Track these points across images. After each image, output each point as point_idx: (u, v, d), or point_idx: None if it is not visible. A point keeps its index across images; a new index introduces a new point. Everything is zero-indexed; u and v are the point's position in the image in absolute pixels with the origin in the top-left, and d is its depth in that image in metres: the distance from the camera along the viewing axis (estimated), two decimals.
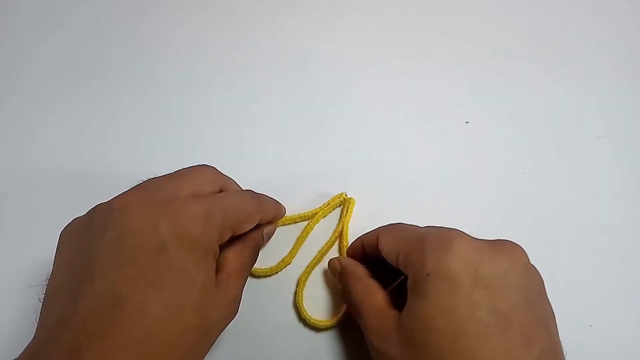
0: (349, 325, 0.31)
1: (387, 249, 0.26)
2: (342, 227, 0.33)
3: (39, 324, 0.22)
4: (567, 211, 0.34)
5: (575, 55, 0.40)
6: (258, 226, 0.29)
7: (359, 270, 0.29)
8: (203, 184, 0.26)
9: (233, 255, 0.27)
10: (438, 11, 0.42)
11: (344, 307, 0.31)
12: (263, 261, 0.33)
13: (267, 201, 0.30)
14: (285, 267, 0.32)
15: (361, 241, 0.30)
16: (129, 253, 0.21)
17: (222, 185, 0.28)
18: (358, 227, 0.33)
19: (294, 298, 0.32)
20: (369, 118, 0.37)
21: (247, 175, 0.35)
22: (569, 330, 0.31)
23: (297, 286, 0.32)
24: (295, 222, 0.34)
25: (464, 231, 0.25)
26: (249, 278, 0.32)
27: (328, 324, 0.31)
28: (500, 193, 0.35)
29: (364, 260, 0.30)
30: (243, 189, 0.31)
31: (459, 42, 0.40)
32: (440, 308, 0.22)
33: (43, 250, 0.29)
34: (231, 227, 0.26)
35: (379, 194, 0.35)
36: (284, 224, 0.34)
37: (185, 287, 0.22)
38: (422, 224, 0.33)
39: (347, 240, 0.33)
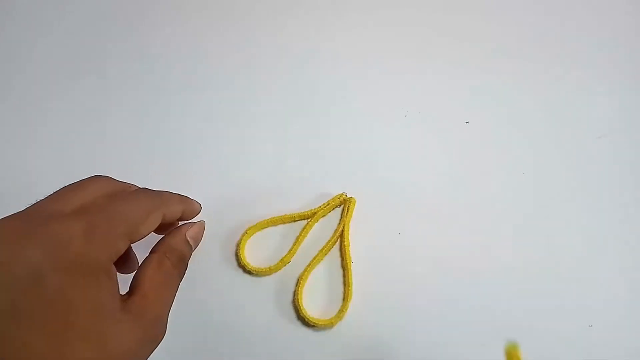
0: (347, 324, 0.31)
1: None
2: (343, 227, 0.33)
3: None
4: (567, 211, 0.34)
5: (575, 55, 0.40)
6: (176, 233, 0.27)
7: None
8: (93, 197, 0.24)
9: (150, 272, 0.24)
10: (438, 11, 0.42)
11: (344, 305, 0.31)
12: (262, 260, 0.33)
13: (168, 197, 0.27)
14: (285, 266, 0.32)
15: None
16: (3, 288, 0.19)
17: (119, 193, 0.25)
18: (358, 227, 0.34)
19: (293, 297, 0.32)
20: (369, 118, 0.37)
21: (247, 175, 0.35)
22: (569, 330, 0.31)
23: (296, 285, 0.32)
24: (295, 221, 0.34)
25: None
26: (249, 276, 0.32)
27: (327, 323, 0.31)
28: (500, 193, 0.35)
29: None
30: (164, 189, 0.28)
31: (459, 42, 0.40)
32: None
33: None
34: (125, 235, 0.23)
35: (379, 194, 0.35)
36: (284, 223, 0.34)
37: (68, 316, 0.20)
38: (422, 223, 0.34)
39: (348, 240, 0.33)
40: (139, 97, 0.39)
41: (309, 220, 0.33)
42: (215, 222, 0.33)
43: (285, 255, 0.32)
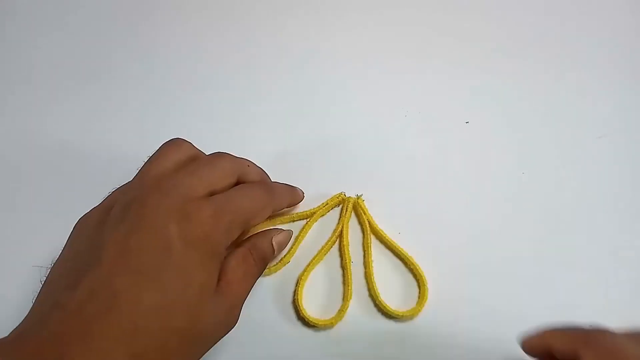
0: (347, 324, 0.31)
1: None
2: (342, 227, 0.33)
3: (34, 305, 0.23)
4: (567, 211, 0.34)
5: (575, 55, 0.40)
6: (265, 234, 0.29)
7: None
8: (219, 178, 0.26)
9: (236, 263, 0.27)
10: (438, 11, 0.42)
11: (344, 305, 0.31)
12: None
13: (279, 191, 0.31)
14: (284, 266, 0.32)
15: (548, 344, 0.26)
16: (135, 249, 0.22)
17: (240, 174, 0.28)
18: (358, 227, 0.34)
19: (293, 297, 0.32)
20: (368, 118, 0.37)
21: None
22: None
23: (296, 285, 0.32)
24: (294, 221, 0.34)
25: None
26: None
27: (327, 323, 0.31)
28: (500, 193, 0.35)
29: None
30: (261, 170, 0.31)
31: (459, 42, 0.40)
32: None
33: (52, 233, 0.30)
34: (239, 226, 0.26)
35: (379, 194, 0.35)
36: (283, 223, 0.34)
37: (181, 287, 0.23)
38: (422, 223, 0.34)
39: (347, 240, 0.33)
40: (138, 97, 0.39)
41: (307, 220, 0.33)
42: None
43: (285, 256, 0.32)
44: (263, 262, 0.29)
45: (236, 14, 0.42)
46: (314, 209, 0.33)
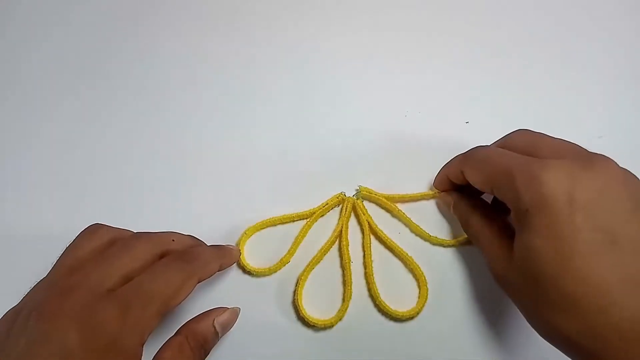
0: (347, 325, 0.31)
1: (477, 183, 0.28)
2: (342, 227, 0.33)
3: None
4: None
5: (575, 56, 0.40)
6: (204, 317, 0.27)
7: (470, 202, 0.31)
8: (135, 261, 0.25)
9: (170, 355, 0.25)
10: (438, 11, 0.42)
11: (343, 306, 0.31)
12: (262, 260, 0.33)
13: (202, 259, 0.27)
14: (284, 266, 0.32)
15: (445, 174, 0.32)
16: None
17: (163, 251, 0.26)
18: (358, 227, 0.34)
19: (293, 297, 0.32)
20: (368, 118, 0.37)
21: (247, 176, 0.35)
22: None
23: (296, 285, 0.32)
24: (294, 221, 0.34)
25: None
26: (249, 277, 0.32)
27: (327, 323, 0.31)
28: None
29: (455, 189, 0.32)
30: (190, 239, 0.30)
31: (459, 42, 0.40)
32: (545, 238, 0.23)
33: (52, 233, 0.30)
34: (157, 313, 0.24)
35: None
36: (283, 223, 0.34)
37: None
38: (422, 223, 0.34)
39: (347, 240, 0.33)
40: (139, 97, 0.39)
41: (307, 220, 0.33)
42: (215, 223, 0.34)
43: (285, 256, 0.32)
44: (202, 348, 0.26)
45: (236, 14, 0.42)
46: (313, 209, 0.33)
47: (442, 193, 0.33)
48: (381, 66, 0.39)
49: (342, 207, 0.34)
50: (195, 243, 0.29)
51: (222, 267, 0.29)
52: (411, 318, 0.31)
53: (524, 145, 0.27)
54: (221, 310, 0.28)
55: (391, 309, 0.31)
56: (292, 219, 0.34)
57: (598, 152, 0.25)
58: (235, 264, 0.32)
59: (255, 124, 0.38)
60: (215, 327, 0.27)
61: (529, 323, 0.25)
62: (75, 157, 0.37)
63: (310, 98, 0.38)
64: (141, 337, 0.23)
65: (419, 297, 0.32)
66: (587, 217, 0.22)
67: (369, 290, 0.32)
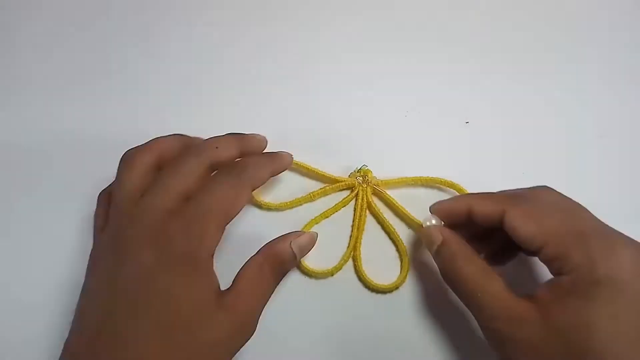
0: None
1: (527, 235, 0.25)
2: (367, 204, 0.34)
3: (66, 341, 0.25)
4: None
5: (575, 55, 0.40)
6: (283, 239, 0.28)
7: (469, 250, 0.27)
8: (188, 181, 0.26)
9: (248, 273, 0.26)
10: (439, 11, 0.42)
11: (345, 255, 0.32)
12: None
13: (252, 168, 0.28)
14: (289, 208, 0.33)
15: (469, 206, 0.27)
16: (120, 282, 0.24)
17: (211, 161, 0.27)
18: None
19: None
20: (368, 118, 0.37)
21: None
22: None
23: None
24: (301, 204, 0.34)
25: None
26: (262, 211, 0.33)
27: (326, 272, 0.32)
28: None
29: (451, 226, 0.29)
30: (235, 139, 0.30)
31: (459, 41, 0.40)
32: (607, 315, 0.22)
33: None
34: (218, 225, 0.25)
35: None
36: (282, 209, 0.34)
37: (171, 308, 0.23)
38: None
39: (379, 212, 0.33)
40: (140, 95, 0.39)
41: (327, 186, 0.34)
42: None
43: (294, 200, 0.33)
44: (280, 269, 0.27)
45: (236, 15, 0.42)
46: (337, 177, 0.34)
47: (433, 228, 0.29)
48: (381, 66, 0.39)
49: (358, 195, 0.34)
50: (240, 143, 0.29)
51: (274, 173, 0.30)
52: (390, 291, 0.32)
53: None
54: (299, 233, 0.29)
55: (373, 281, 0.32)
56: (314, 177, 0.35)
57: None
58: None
59: (255, 124, 0.37)
60: (292, 249, 0.27)
61: None
62: (77, 154, 0.37)
63: (310, 98, 0.38)
64: (209, 248, 0.25)
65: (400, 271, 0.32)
66: None
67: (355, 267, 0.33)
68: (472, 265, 0.26)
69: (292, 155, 0.32)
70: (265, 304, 0.26)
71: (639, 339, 0.22)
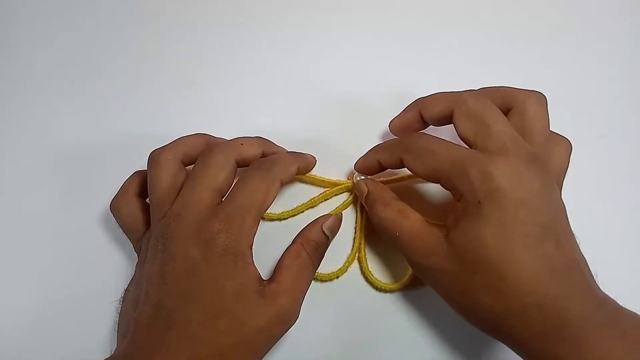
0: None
1: (419, 172, 0.28)
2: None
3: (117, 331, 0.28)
4: (566, 210, 0.34)
5: (575, 55, 0.40)
6: (314, 224, 0.31)
7: (387, 194, 0.30)
8: (219, 173, 0.28)
9: (288, 261, 0.28)
10: (439, 10, 0.42)
11: (350, 256, 0.33)
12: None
13: (281, 163, 0.30)
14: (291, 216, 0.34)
15: (376, 159, 0.31)
16: (171, 274, 0.26)
17: (237, 158, 0.29)
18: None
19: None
20: (368, 118, 0.37)
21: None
22: None
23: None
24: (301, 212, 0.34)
25: None
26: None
27: (331, 275, 0.32)
28: None
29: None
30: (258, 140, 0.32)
31: (459, 41, 0.40)
32: (494, 227, 0.25)
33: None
34: (255, 218, 0.27)
35: None
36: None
37: (216, 297, 0.26)
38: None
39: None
40: (139, 93, 0.39)
41: (328, 189, 0.34)
42: None
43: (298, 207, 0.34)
44: (317, 251, 0.30)
45: (236, 15, 0.42)
46: (338, 180, 0.35)
47: (359, 182, 0.32)
48: (382, 65, 0.40)
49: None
50: (264, 144, 0.32)
51: (301, 171, 0.32)
52: (398, 291, 0.33)
53: (469, 135, 0.28)
54: (327, 216, 0.31)
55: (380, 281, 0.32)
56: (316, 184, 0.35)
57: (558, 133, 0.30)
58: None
59: (255, 125, 0.37)
60: (324, 232, 0.30)
61: (451, 305, 0.27)
62: (77, 153, 0.37)
63: (310, 98, 0.38)
64: (247, 240, 0.27)
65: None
66: (528, 212, 0.24)
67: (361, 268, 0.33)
68: (388, 208, 0.29)
69: (314, 157, 0.33)
70: (307, 290, 0.28)
71: (526, 240, 0.24)
